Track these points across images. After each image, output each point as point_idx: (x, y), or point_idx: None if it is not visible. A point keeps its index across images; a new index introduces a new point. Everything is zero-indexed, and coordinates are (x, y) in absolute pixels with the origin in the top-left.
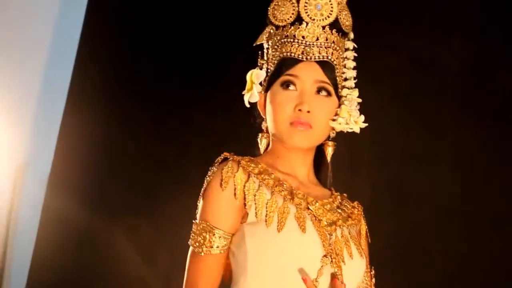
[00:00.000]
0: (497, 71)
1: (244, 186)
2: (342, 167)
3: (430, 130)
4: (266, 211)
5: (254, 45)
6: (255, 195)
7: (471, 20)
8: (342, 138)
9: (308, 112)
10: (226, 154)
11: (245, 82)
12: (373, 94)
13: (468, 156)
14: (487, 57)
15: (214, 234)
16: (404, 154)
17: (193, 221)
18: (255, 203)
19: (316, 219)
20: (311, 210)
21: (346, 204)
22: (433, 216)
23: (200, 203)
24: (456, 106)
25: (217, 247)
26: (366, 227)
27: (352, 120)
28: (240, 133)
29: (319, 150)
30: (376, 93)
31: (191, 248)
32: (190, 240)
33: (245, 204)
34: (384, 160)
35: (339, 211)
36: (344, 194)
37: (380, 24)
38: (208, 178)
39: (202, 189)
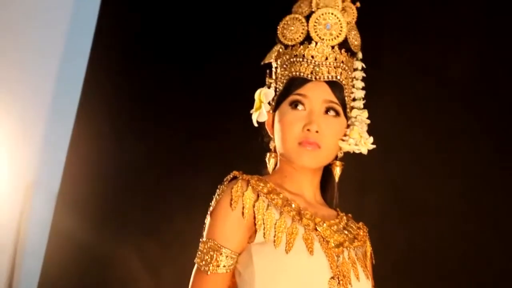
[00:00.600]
0: (504, 83)
1: (254, 205)
2: (349, 185)
3: (440, 145)
4: (275, 231)
5: (262, 63)
6: (264, 215)
7: (478, 34)
8: (350, 157)
9: (317, 132)
10: (235, 172)
11: (253, 100)
12: (380, 110)
13: (479, 170)
14: (494, 70)
15: (221, 253)
16: (413, 168)
17: (200, 239)
18: (264, 223)
19: (324, 240)
20: (319, 231)
21: (351, 225)
22: (445, 230)
23: (207, 221)
24: (466, 120)
25: (224, 266)
26: (371, 248)
27: (362, 141)
28: (248, 151)
29: (326, 170)
30: (383, 109)
31: (196, 266)
32: (196, 258)
33: (255, 224)
34: (392, 175)
35: (346, 232)
36: (349, 214)
37: (388, 41)
38: (217, 197)
39: (211, 207)
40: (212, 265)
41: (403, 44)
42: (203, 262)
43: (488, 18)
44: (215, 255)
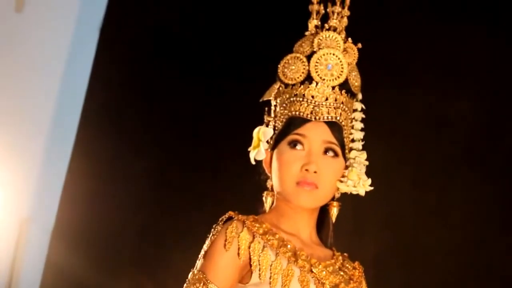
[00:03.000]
0: (506, 130)
1: (249, 246)
2: (345, 226)
3: (439, 190)
4: (271, 273)
5: (261, 101)
6: (259, 256)
7: (480, 80)
8: (347, 198)
9: (315, 172)
10: (230, 213)
11: (251, 137)
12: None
13: (477, 216)
14: (495, 115)
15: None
16: (411, 213)
17: (191, 269)
18: (259, 264)
19: (319, 282)
20: (315, 272)
21: (347, 265)
22: (441, 275)
23: (201, 258)
24: (465, 166)
25: None
26: None
27: (360, 183)
28: (244, 189)
29: (321, 210)
30: (385, 153)
31: None
32: (184, 286)
33: (250, 265)
34: (389, 218)
35: (341, 273)
36: (345, 254)
37: (389, 84)
38: (211, 237)
39: (205, 246)
40: None
41: (402, 87)
42: None
43: (489, 64)
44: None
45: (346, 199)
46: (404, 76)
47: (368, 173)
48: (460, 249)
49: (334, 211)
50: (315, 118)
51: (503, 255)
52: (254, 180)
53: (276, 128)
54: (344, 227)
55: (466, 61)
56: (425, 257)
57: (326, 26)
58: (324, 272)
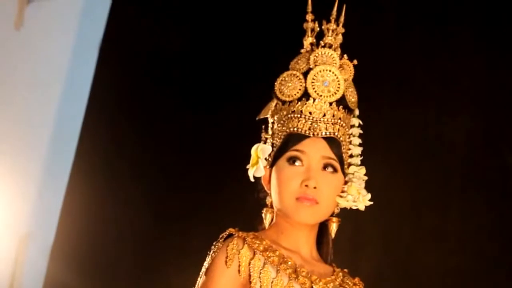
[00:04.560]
0: (503, 148)
1: (249, 263)
2: (345, 242)
3: (437, 207)
4: None
5: (258, 119)
6: (260, 273)
7: (477, 98)
8: (346, 213)
9: (315, 188)
10: (231, 230)
11: (248, 155)
12: (381, 164)
13: (475, 234)
14: (494, 135)
15: None
16: (409, 231)
17: None
18: (260, 281)
19: None
20: None
21: (347, 281)
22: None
23: (202, 275)
24: (463, 183)
25: None
26: None
27: (360, 198)
28: (243, 206)
29: (320, 226)
30: (383, 171)
31: None
32: None
33: (250, 282)
34: (389, 233)
35: None
36: (345, 270)
37: (386, 101)
38: (212, 254)
39: (206, 263)
40: None
41: (399, 104)
42: None
43: (487, 81)
44: None
45: (344, 217)
46: (402, 94)
47: (369, 188)
48: (458, 269)
49: (333, 227)
50: (313, 134)
51: (503, 275)
52: (253, 197)
53: (274, 145)
54: (341, 243)
55: (465, 78)
56: (422, 276)
57: (322, 43)
58: None
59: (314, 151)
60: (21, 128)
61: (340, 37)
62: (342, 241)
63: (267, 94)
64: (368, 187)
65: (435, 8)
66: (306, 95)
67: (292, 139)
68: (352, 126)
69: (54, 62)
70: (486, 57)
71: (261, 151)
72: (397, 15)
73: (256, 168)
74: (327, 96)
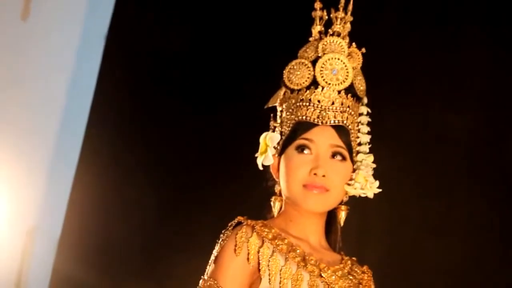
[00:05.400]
0: (508, 143)
1: (258, 251)
2: (351, 231)
3: (442, 199)
4: (280, 277)
5: (266, 107)
6: (269, 261)
7: (482, 94)
8: (352, 203)
9: (324, 176)
10: (240, 218)
11: (256, 143)
12: (386, 160)
13: (481, 226)
14: (499, 130)
15: None
16: (415, 221)
17: (202, 276)
18: (269, 269)
19: (328, 287)
20: (324, 277)
21: (356, 269)
22: (444, 282)
23: (211, 265)
24: (468, 176)
25: None
26: None
27: (368, 185)
28: (251, 194)
29: (329, 214)
30: (389, 160)
31: None
32: None
33: (259, 270)
34: (394, 225)
35: (350, 277)
36: (354, 258)
37: (393, 96)
38: (221, 242)
39: (215, 251)
40: None
41: (403, 99)
42: None
43: (491, 77)
44: None
45: (350, 207)
46: (406, 89)
47: (376, 178)
48: (463, 257)
49: (342, 215)
50: (322, 123)
51: (507, 262)
52: (262, 185)
53: (283, 134)
54: (346, 233)
55: (468, 73)
56: (428, 263)
57: (330, 31)
58: (333, 277)
59: (322, 140)
60: (27, 121)
61: (348, 25)
62: (348, 230)
63: (275, 81)
64: (375, 177)
65: (439, 5)
66: (314, 83)
67: (301, 128)
68: (361, 114)
69: (61, 53)
70: (489, 53)
71: (269, 140)
72: (399, 13)
73: (265, 157)
74: (335, 84)
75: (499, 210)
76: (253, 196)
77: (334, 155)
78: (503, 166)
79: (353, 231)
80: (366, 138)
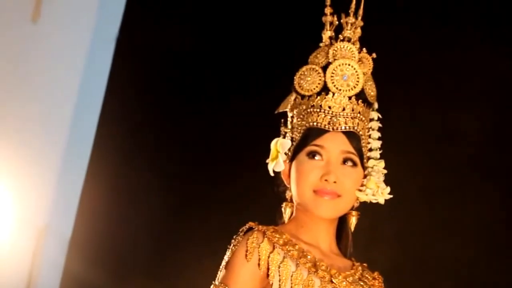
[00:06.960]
0: None
1: (269, 257)
2: (361, 236)
3: (451, 202)
4: (291, 283)
5: (277, 112)
6: (279, 267)
7: (490, 92)
8: (362, 208)
9: (335, 182)
10: (251, 223)
11: (266, 148)
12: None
13: (491, 227)
14: (507, 129)
15: None
16: (425, 225)
17: (213, 282)
18: (280, 275)
19: None
20: (335, 283)
21: (367, 275)
22: (454, 286)
23: (222, 268)
24: (478, 178)
25: None
26: None
27: (379, 191)
28: (261, 200)
29: (340, 219)
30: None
31: None
32: None
33: (268, 275)
34: (404, 230)
35: (361, 283)
36: (364, 264)
37: (402, 97)
38: (232, 248)
39: (226, 257)
40: None
41: (413, 100)
42: None
43: (499, 76)
44: None
45: (360, 212)
46: (415, 89)
47: (386, 183)
48: (473, 261)
49: (353, 221)
50: (332, 129)
51: None
52: (272, 191)
53: (294, 140)
54: (357, 239)
55: (477, 73)
56: (438, 268)
57: (341, 37)
58: (344, 283)
59: (333, 146)
60: (38, 122)
61: (359, 30)
62: (358, 235)
63: (286, 86)
64: (385, 181)
65: (448, 3)
66: (325, 89)
67: (312, 134)
68: (371, 119)
69: (72, 54)
70: (496, 53)
71: (280, 146)
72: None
73: (276, 163)
74: (346, 90)
75: (510, 210)
76: (263, 196)
77: (345, 161)
78: None
79: (363, 236)
80: (377, 144)
